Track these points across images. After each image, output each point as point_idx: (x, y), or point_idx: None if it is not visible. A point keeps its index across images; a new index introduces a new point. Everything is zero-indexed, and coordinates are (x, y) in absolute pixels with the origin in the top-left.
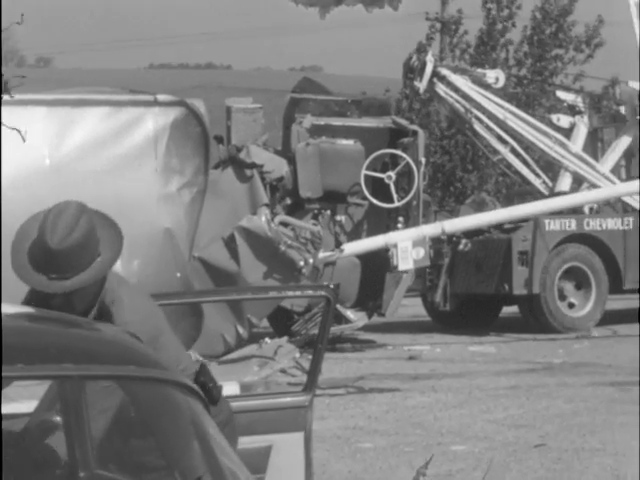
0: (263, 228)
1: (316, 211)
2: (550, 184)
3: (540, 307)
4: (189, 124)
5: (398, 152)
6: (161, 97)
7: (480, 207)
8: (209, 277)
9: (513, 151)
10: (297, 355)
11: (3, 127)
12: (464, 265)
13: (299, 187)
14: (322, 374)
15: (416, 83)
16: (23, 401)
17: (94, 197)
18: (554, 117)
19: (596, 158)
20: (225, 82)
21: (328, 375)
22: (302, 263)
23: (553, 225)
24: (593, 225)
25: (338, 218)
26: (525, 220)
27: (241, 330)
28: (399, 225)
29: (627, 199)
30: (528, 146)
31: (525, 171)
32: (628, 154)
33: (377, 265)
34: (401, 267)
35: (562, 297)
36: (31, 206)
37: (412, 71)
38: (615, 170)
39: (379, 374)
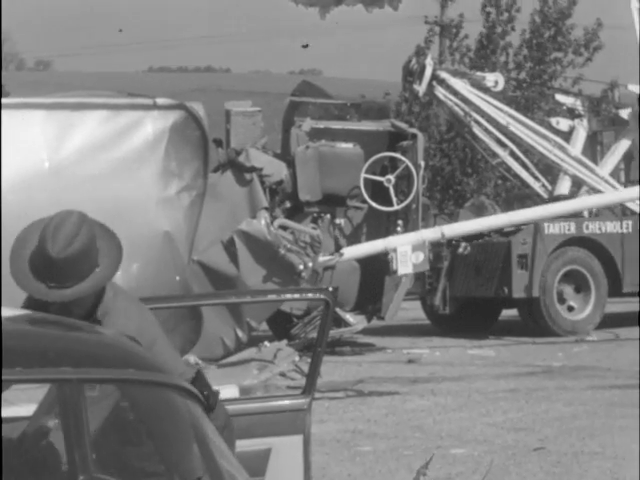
0: (262, 232)
1: (315, 214)
2: (549, 187)
3: (539, 310)
4: (188, 127)
5: (397, 155)
6: (160, 100)
7: (479, 210)
8: (208, 280)
9: (512, 154)
10: (296, 358)
11: (4, 132)
12: (463, 268)
13: (298, 190)
14: (321, 377)
15: (415, 86)
16: (22, 404)
17: (93, 200)
18: (553, 120)
19: (595, 161)
20: (224, 85)
21: (327, 378)
22: (301, 267)
23: (552, 228)
24: (592, 228)
25: (337, 221)
26: (525, 224)
27: (240, 333)
28: (398, 228)
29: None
30: (527, 149)
31: (524, 174)
32: (627, 157)
33: (376, 268)
34: (400, 271)
35: (561, 300)
36: (30, 209)
37: (411, 74)
38: (614, 173)
39: (378, 377)
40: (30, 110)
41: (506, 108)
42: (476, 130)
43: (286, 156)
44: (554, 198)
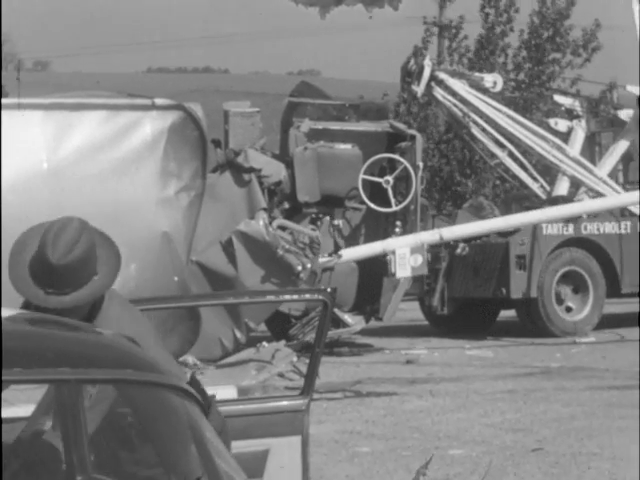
0: (261, 232)
1: (314, 215)
2: (548, 188)
3: (538, 311)
4: (187, 128)
5: (396, 156)
6: (159, 101)
7: (478, 211)
8: (207, 281)
9: (511, 155)
10: (294, 359)
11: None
12: (462, 269)
13: (297, 191)
14: (319, 378)
15: (414, 87)
16: (21, 405)
17: (92, 201)
18: (552, 121)
19: (594, 162)
20: (223, 86)
21: (325, 379)
22: (300, 267)
23: (550, 229)
24: (591, 229)
25: (336, 222)
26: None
27: (239, 334)
28: (397, 229)
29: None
30: (526, 150)
31: (523, 175)
32: (626, 158)
33: (375, 269)
34: (399, 275)
35: (559, 301)
36: (29, 210)
37: (410, 75)
38: (612, 174)
39: (376, 378)
40: (29, 111)
41: (504, 109)
42: (474, 131)
43: (285, 157)
44: (552, 199)
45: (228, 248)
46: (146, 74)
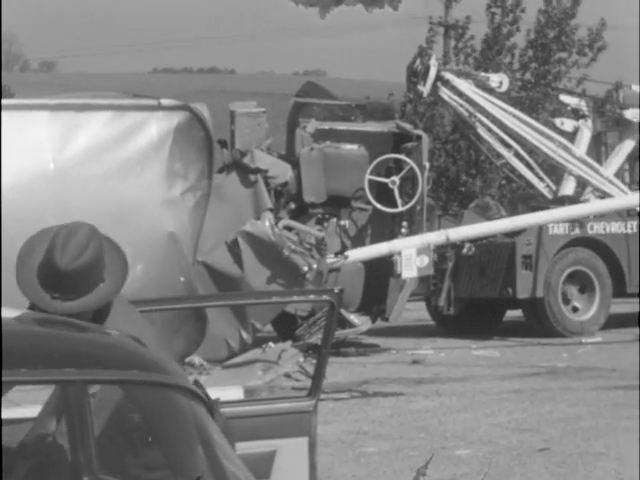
0: (267, 233)
1: (320, 216)
2: (554, 188)
3: (544, 311)
4: (193, 128)
5: (402, 157)
6: (165, 101)
7: (484, 211)
8: (213, 282)
9: (517, 155)
10: (301, 359)
11: (5, 132)
12: (468, 269)
13: (303, 192)
14: (326, 378)
15: (420, 87)
16: (27, 406)
17: (98, 201)
18: (558, 121)
19: (600, 162)
20: (229, 86)
21: (332, 379)
22: (306, 268)
23: (557, 229)
24: (597, 229)
25: (342, 223)
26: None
27: (245, 335)
28: (403, 230)
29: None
30: (532, 150)
31: (529, 175)
32: (632, 158)
33: (381, 270)
34: (405, 275)
35: (566, 301)
36: (35, 210)
37: (416, 75)
38: (619, 174)
39: (383, 378)
40: (34, 111)
41: (510, 109)
42: (480, 131)
43: (291, 157)
44: (559, 199)
45: (234, 249)
46: (152, 74)
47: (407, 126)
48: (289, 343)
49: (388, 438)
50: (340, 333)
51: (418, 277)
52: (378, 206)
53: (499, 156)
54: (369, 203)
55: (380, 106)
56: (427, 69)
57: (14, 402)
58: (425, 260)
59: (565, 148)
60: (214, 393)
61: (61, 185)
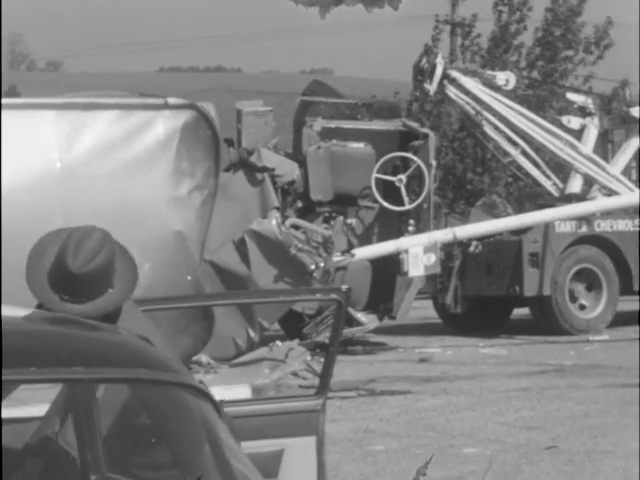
0: (274, 231)
1: (327, 214)
2: (561, 186)
3: (551, 309)
4: (199, 127)
5: (409, 155)
6: (171, 100)
7: (491, 209)
8: (220, 280)
9: (524, 153)
10: (308, 358)
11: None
12: (475, 267)
13: (310, 190)
14: (333, 377)
15: (426, 85)
16: (35, 404)
17: (105, 200)
18: (564, 119)
19: (606, 160)
20: (235, 85)
21: (339, 378)
22: (313, 267)
23: (564, 227)
24: (604, 227)
25: (349, 221)
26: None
27: (252, 333)
28: (410, 228)
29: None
30: (539, 148)
31: (536, 173)
32: (639, 155)
33: (388, 268)
34: (412, 273)
35: (573, 299)
36: (42, 209)
37: (422, 73)
38: (626, 171)
39: (390, 377)
40: (41, 110)
41: (517, 107)
42: (487, 129)
43: (297, 156)
44: (565, 196)
45: (241, 247)
46: (158, 73)
47: (414, 124)
48: (296, 342)
49: (395, 436)
50: (347, 331)
51: (425, 275)
52: (385, 204)
53: (506, 154)
54: (376, 201)
55: (387, 104)
56: (434, 67)
57: (22, 401)
58: (432, 258)
59: (572, 146)
60: (221, 392)
61: (68, 184)
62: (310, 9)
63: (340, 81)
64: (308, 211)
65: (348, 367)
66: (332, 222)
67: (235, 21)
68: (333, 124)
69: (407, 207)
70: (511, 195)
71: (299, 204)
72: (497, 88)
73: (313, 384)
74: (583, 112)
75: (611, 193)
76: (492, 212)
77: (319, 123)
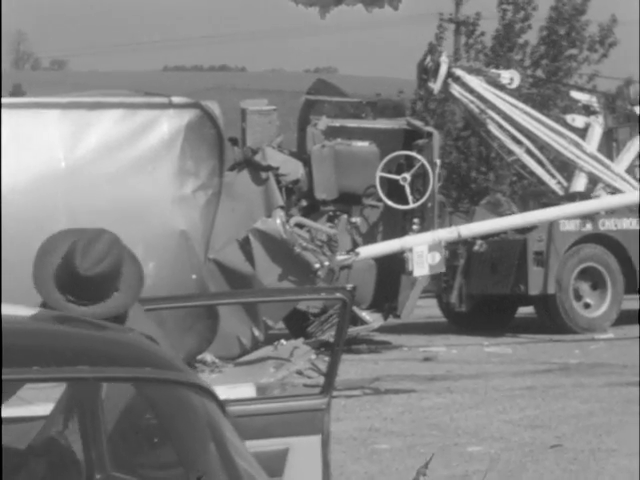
0: (278, 230)
1: (331, 213)
2: (565, 184)
3: (556, 307)
4: (204, 126)
5: (413, 154)
6: (176, 99)
7: (495, 208)
8: (224, 279)
9: (528, 152)
10: (313, 356)
11: (16, 131)
12: (479, 266)
13: (314, 189)
14: (338, 375)
15: (430, 84)
16: (40, 404)
17: (109, 199)
18: (569, 117)
19: (611, 158)
20: (239, 84)
21: (344, 376)
22: (317, 265)
23: (568, 225)
24: (608, 225)
25: (353, 220)
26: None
27: (257, 332)
28: (414, 227)
29: None
30: (543, 146)
31: (540, 172)
32: None
33: (392, 267)
34: (416, 273)
35: (578, 297)
36: (46, 208)
37: (426, 72)
38: (630, 170)
39: (395, 375)
40: (45, 110)
41: (521, 105)
42: (491, 127)
43: (302, 155)
44: (570, 195)
45: (245, 246)
46: (163, 72)
47: (418, 123)
48: (301, 340)
49: (400, 435)
50: (352, 330)
51: (430, 274)
52: (389, 203)
53: (510, 153)
54: (380, 200)
55: (391, 103)
56: (438, 66)
57: (26, 400)
58: (437, 257)
59: (576, 144)
60: (226, 391)
61: (72, 183)
62: (310, 9)
63: (344, 80)
64: (312, 210)
65: (353, 366)
66: (336, 221)
67: (239, 20)
68: (337, 123)
69: (411, 206)
70: (515, 194)
71: (303, 203)
72: (501, 87)
73: (318, 383)
74: (587, 110)
75: (615, 192)
76: (496, 211)
77: (323, 122)
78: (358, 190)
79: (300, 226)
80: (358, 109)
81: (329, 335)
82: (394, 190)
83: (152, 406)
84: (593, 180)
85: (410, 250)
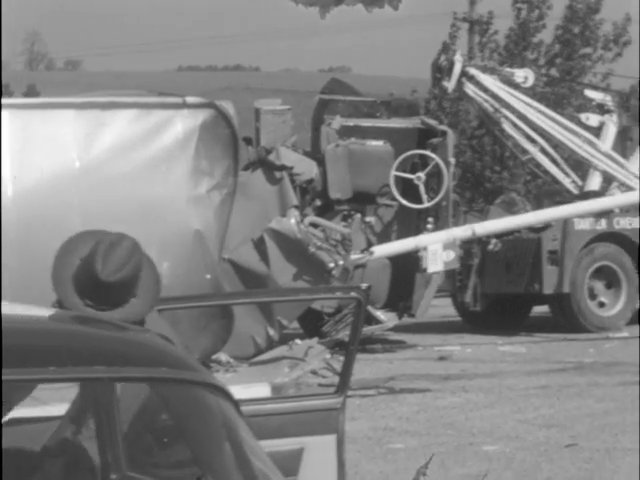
0: (292, 230)
1: (346, 212)
2: (580, 183)
3: (570, 306)
4: (218, 126)
5: (427, 153)
6: (190, 99)
7: (510, 207)
8: (239, 279)
9: (542, 150)
10: (327, 356)
11: (30, 131)
12: (494, 265)
13: (329, 188)
14: (353, 375)
15: (445, 83)
16: (55, 404)
17: (124, 199)
18: (583, 116)
19: (625, 157)
20: (253, 84)
21: (359, 376)
22: (332, 265)
23: (583, 224)
24: (623, 224)
25: (368, 219)
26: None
27: (271, 332)
28: (429, 226)
29: None
30: (557, 145)
31: (554, 170)
32: None
33: (407, 266)
34: (431, 270)
35: (592, 296)
36: (61, 208)
37: (440, 71)
38: None
39: (410, 374)
40: (60, 110)
41: (536, 104)
42: (506, 126)
43: (316, 154)
44: (584, 194)
45: (260, 246)
46: (177, 72)
47: (432, 122)
48: (316, 340)
49: (415, 434)
50: (366, 330)
51: (444, 273)
52: (404, 202)
53: (524, 152)
54: (394, 199)
55: (405, 102)
56: (452, 65)
57: (41, 400)
58: (451, 255)
59: (590, 143)
60: (241, 390)
61: (86, 183)
62: (310, 9)
63: (358, 79)
64: (327, 209)
65: (367, 365)
66: (350, 220)
67: (253, 20)
68: (351, 122)
69: (426, 205)
70: (530, 193)
71: (318, 202)
72: (516, 85)
73: (333, 382)
74: (602, 109)
75: (630, 190)
76: (511, 210)
77: (337, 121)
78: (372, 189)
79: (314, 225)
80: (372, 108)
81: (344, 334)
82: (408, 189)
83: (167, 406)
84: (607, 179)
85: (425, 248)
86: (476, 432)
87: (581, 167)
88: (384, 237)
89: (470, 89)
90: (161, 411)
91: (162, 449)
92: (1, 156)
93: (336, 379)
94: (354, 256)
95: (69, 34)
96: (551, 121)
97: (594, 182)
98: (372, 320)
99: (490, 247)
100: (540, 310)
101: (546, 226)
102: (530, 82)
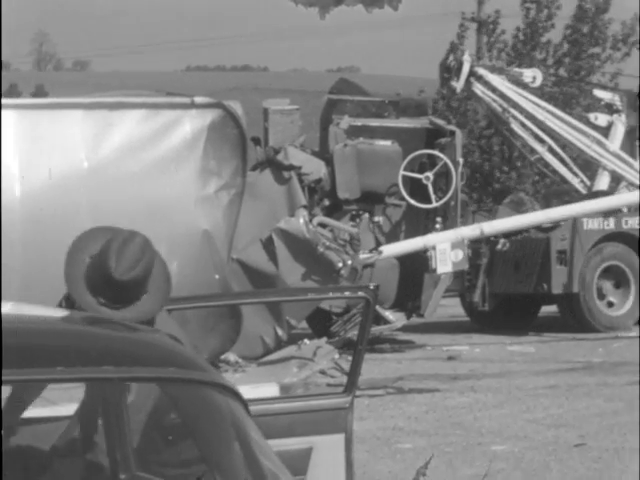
0: (301, 230)
1: (354, 212)
2: (588, 183)
3: (579, 306)
4: (226, 126)
5: (436, 152)
6: (198, 99)
7: (518, 207)
8: (247, 279)
9: (551, 150)
10: (336, 356)
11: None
12: (502, 265)
13: (337, 188)
14: (361, 375)
15: (453, 83)
16: (64, 404)
17: (132, 200)
18: (591, 116)
19: (634, 156)
20: (262, 84)
21: (367, 376)
22: (340, 264)
23: (591, 224)
24: (632, 223)
25: (376, 219)
26: (563, 220)
27: (280, 332)
28: (437, 226)
29: None
30: (566, 145)
31: (563, 170)
32: None
33: (415, 266)
34: (439, 270)
35: (601, 296)
36: (69, 208)
37: (449, 71)
38: None
39: (418, 374)
40: (68, 110)
41: (544, 104)
42: (514, 126)
43: (324, 154)
44: (593, 194)
45: (269, 246)
46: (185, 72)
47: (440, 122)
48: (324, 340)
49: (424, 434)
50: (375, 329)
51: (453, 273)
52: (412, 202)
53: (533, 151)
54: (403, 199)
55: (413, 102)
56: (460, 65)
57: (51, 400)
58: (460, 254)
59: (599, 143)
60: (250, 390)
61: (95, 184)
62: (310, 9)
63: (366, 79)
64: (335, 209)
65: (376, 365)
66: (359, 220)
67: (261, 20)
68: (360, 122)
69: (434, 204)
70: (538, 193)
71: (326, 202)
72: (524, 85)
73: (341, 382)
74: (610, 109)
75: (638, 190)
76: (519, 210)
77: (346, 121)
78: (380, 189)
79: (323, 225)
80: (380, 108)
81: (352, 334)
82: (417, 189)
83: (176, 406)
84: (616, 178)
85: (433, 248)
86: (485, 432)
87: (590, 167)
88: (392, 237)
89: (478, 89)
90: (170, 411)
91: (171, 448)
92: (1, 156)
93: (344, 379)
94: (362, 256)
95: (77, 34)
96: (559, 121)
97: (602, 182)
98: (380, 320)
99: (499, 247)
100: (549, 310)
101: (555, 226)
102: (538, 82)
